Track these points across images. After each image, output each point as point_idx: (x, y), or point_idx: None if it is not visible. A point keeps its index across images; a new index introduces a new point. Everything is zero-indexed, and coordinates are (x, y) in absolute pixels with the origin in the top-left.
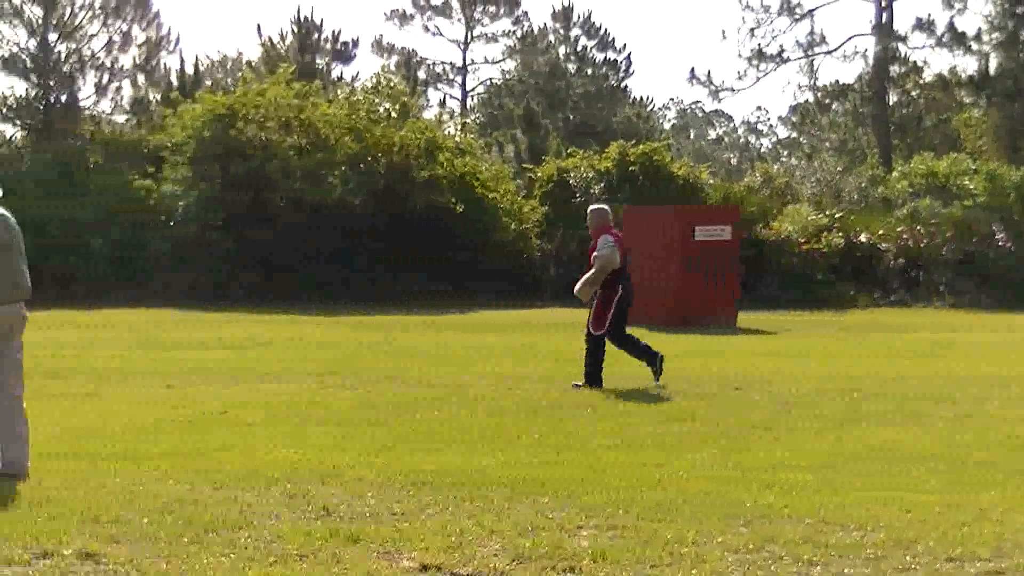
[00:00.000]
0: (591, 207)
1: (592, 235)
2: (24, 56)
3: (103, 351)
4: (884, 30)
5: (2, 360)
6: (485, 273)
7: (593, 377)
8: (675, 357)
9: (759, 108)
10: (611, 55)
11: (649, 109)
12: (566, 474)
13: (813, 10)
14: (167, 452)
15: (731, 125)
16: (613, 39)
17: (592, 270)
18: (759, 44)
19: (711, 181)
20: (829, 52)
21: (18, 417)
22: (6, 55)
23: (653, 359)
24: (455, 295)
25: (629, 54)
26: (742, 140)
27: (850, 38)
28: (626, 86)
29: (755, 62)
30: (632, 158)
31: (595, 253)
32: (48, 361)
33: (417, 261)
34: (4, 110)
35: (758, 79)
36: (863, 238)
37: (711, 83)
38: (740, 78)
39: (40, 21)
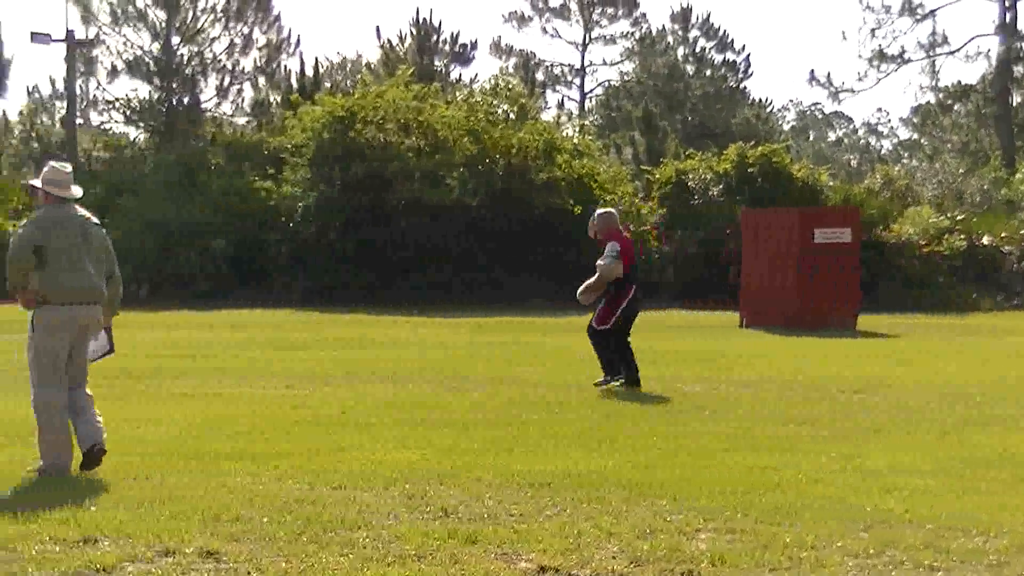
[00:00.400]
0: (598, 211)
1: (600, 240)
2: (148, 59)
3: (224, 351)
4: (1008, 30)
5: (76, 356)
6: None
7: (611, 366)
8: (794, 360)
9: (880, 109)
10: (730, 56)
11: (768, 111)
12: (684, 476)
13: (935, 10)
14: (287, 452)
15: (851, 126)
16: (732, 40)
17: (593, 277)
18: (880, 45)
19: (831, 183)
20: (951, 52)
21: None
22: (130, 59)
23: (630, 374)
24: (573, 297)
25: (748, 55)
26: (862, 142)
27: (973, 38)
28: (745, 87)
29: (876, 63)
30: (751, 160)
31: (599, 261)
32: (170, 361)
33: (535, 263)
34: (128, 113)
35: (879, 80)
36: (985, 241)
37: (831, 84)
38: (860, 79)
39: (163, 25)
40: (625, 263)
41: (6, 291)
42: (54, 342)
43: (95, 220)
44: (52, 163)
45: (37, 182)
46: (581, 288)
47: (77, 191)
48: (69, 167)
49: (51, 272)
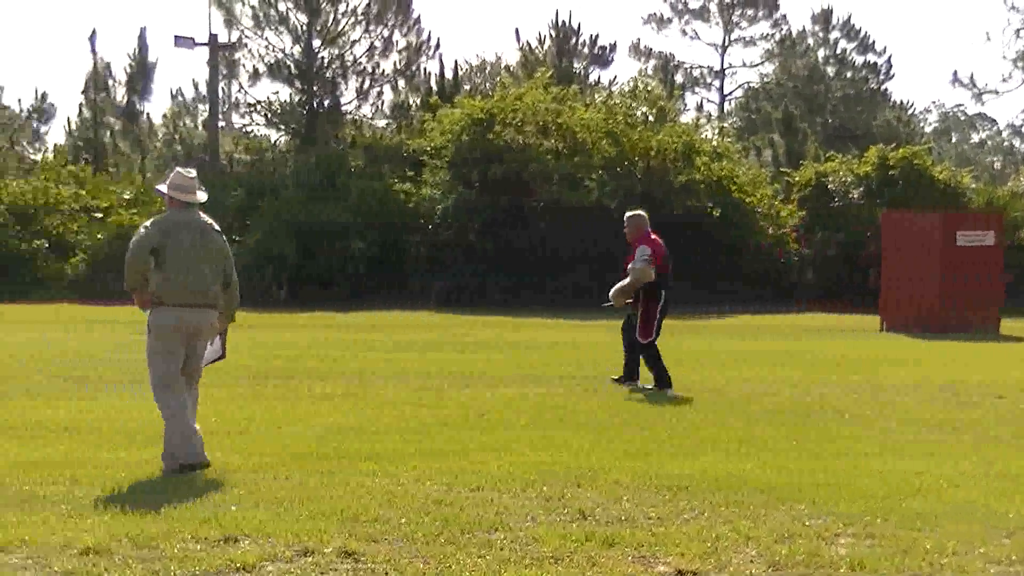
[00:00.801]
0: (628, 214)
1: (630, 243)
2: (289, 62)
3: (362, 353)
4: None
5: (191, 358)
6: (742, 277)
7: (662, 378)
8: (934, 364)
9: None
10: (871, 58)
11: (910, 112)
12: (823, 480)
13: None
14: (425, 453)
15: (995, 128)
16: (873, 41)
17: (626, 280)
18: None
19: (973, 186)
20: None
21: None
22: (272, 62)
23: (633, 375)
24: (712, 299)
25: (889, 57)
26: (1006, 144)
27: None
28: (886, 89)
29: (1020, 63)
30: (892, 162)
31: (630, 265)
32: (309, 362)
33: (676, 264)
34: (269, 115)
35: (1023, 81)
36: None
37: (974, 85)
38: (1004, 80)
39: (304, 28)
40: (657, 266)
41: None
42: (167, 343)
43: (216, 226)
44: (178, 169)
45: (164, 187)
46: (613, 290)
47: (201, 196)
48: (194, 172)
49: (167, 274)
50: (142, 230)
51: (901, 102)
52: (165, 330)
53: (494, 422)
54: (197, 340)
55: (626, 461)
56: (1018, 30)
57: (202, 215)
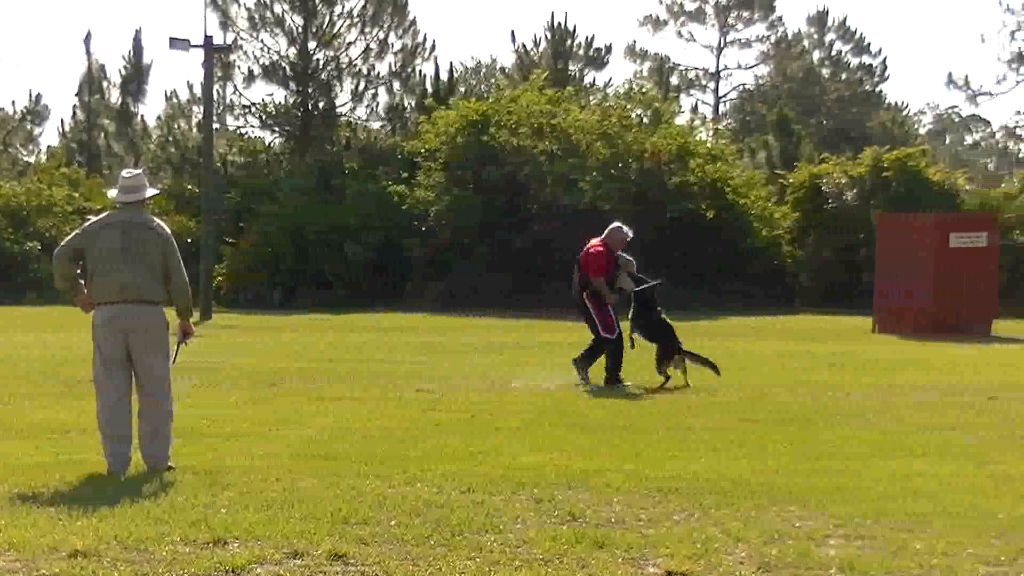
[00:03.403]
0: (616, 225)
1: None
2: (284, 64)
3: (357, 355)
4: None
5: (138, 365)
6: (736, 278)
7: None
8: (927, 365)
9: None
10: (866, 59)
11: (904, 114)
12: (815, 482)
13: None
14: (417, 456)
15: (989, 130)
16: (869, 43)
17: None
18: (1020, 47)
19: (968, 187)
20: None
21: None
22: (267, 64)
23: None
24: (706, 300)
25: (885, 58)
26: (1000, 145)
27: None
28: (881, 91)
29: (1015, 65)
30: (887, 164)
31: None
32: (303, 364)
33: (669, 266)
34: (264, 117)
35: (1018, 83)
36: None
37: (969, 87)
38: (999, 82)
39: (300, 30)
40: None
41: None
42: (99, 342)
43: (153, 224)
44: (123, 171)
45: (113, 191)
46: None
47: (139, 195)
48: (137, 171)
49: (91, 274)
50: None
51: (896, 104)
52: (96, 329)
53: (486, 424)
54: (136, 340)
55: (618, 463)
56: (1013, 32)
57: (144, 214)
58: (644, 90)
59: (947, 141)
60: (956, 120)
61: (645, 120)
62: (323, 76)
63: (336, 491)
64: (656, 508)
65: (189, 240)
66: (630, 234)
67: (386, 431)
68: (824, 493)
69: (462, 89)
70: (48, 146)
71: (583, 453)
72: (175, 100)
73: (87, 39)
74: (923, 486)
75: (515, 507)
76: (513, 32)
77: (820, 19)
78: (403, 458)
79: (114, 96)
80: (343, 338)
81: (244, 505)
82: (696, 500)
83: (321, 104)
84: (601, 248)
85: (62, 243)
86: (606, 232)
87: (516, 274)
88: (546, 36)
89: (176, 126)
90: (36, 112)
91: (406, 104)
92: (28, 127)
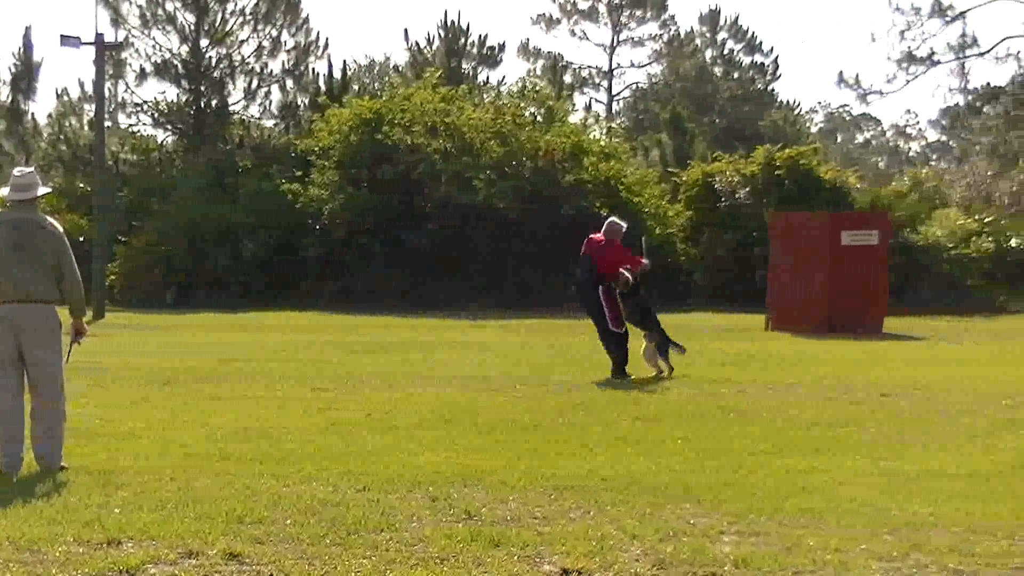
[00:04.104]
0: (612, 219)
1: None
2: (176, 62)
3: (253, 354)
4: None
5: (32, 366)
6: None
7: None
8: (820, 363)
9: (908, 111)
10: (758, 58)
11: (796, 113)
12: (711, 480)
13: (965, 12)
14: (313, 455)
15: (880, 129)
16: (760, 42)
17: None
18: (909, 47)
19: (859, 186)
20: (981, 54)
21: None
22: (159, 61)
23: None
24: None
25: (776, 57)
26: (891, 144)
27: (1003, 40)
28: (773, 89)
29: (905, 65)
30: (779, 162)
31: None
32: (198, 364)
33: (565, 264)
34: (156, 115)
35: (908, 82)
36: (1014, 243)
37: (859, 86)
38: (889, 81)
39: (192, 27)
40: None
41: None
42: None
43: (46, 223)
44: (15, 170)
45: (4, 190)
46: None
47: (29, 193)
48: (28, 170)
49: None
50: None
51: (788, 102)
52: None
53: (382, 423)
54: (28, 339)
55: (514, 461)
56: (902, 31)
57: (36, 213)
58: (537, 88)
59: (838, 140)
60: (847, 119)
61: (539, 118)
62: (216, 74)
63: (231, 490)
64: (552, 506)
65: (82, 239)
66: (624, 226)
67: (282, 430)
68: (719, 490)
69: (355, 87)
70: None
71: (479, 452)
72: (66, 98)
73: None
74: (817, 483)
75: (411, 505)
76: (406, 30)
77: (712, 18)
78: (298, 457)
79: (3, 93)
80: (238, 337)
81: (138, 505)
82: (592, 498)
83: (214, 102)
84: (609, 240)
85: None
86: (604, 227)
87: (412, 272)
88: (439, 34)
89: (67, 124)
90: None
91: (299, 102)
92: None
